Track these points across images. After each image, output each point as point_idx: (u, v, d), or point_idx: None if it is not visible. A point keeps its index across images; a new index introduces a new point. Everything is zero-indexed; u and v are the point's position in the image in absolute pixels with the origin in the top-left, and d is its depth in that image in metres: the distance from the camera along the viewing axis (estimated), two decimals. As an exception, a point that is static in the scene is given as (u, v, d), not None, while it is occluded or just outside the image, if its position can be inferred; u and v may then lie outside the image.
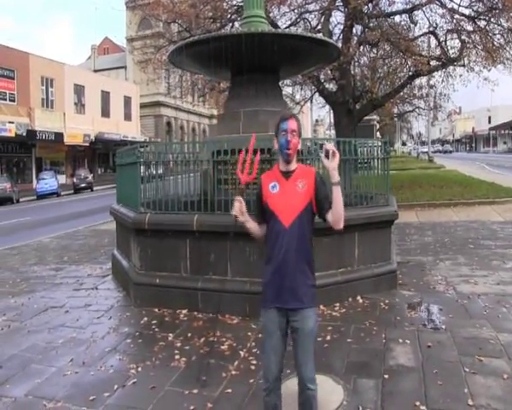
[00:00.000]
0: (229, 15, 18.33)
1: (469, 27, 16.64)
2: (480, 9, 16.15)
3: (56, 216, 20.06)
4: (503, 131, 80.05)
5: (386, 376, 4.19)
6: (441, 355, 4.56)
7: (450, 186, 18.60)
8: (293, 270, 2.94)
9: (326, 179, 3.09)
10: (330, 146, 2.94)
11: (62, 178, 38.33)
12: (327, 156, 2.90)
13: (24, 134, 33.00)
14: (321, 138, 13.39)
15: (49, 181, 32.43)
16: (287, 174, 3.03)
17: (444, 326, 5.31)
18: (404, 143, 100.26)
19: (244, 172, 3.26)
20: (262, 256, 5.80)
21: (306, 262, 3.01)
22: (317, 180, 3.01)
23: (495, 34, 16.38)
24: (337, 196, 2.94)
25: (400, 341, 4.93)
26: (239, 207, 3.12)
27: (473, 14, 16.34)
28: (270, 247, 3.02)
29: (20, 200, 29.78)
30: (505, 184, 18.69)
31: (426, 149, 57.21)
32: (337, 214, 2.98)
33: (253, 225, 3.18)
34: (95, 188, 36.84)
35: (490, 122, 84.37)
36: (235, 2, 18.32)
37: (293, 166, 3.05)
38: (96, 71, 51.33)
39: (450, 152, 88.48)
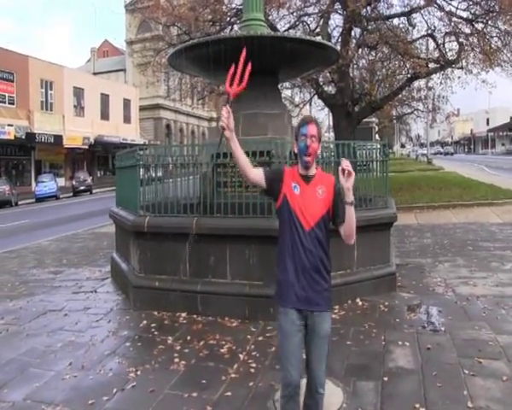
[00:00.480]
0: (228, 18, 18.40)
1: (467, 30, 16.72)
2: (477, 12, 16.21)
3: (55, 219, 20.04)
4: (501, 133, 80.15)
5: (385, 378, 4.19)
6: (440, 357, 4.56)
7: (448, 188, 18.62)
8: (313, 273, 2.94)
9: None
10: (347, 165, 2.81)
11: (61, 181, 38.30)
12: (343, 173, 2.80)
13: (23, 137, 33.03)
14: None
15: (48, 184, 32.40)
16: (307, 178, 3.00)
17: (443, 328, 5.31)
18: (402, 146, 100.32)
19: (234, 84, 3.00)
20: (261, 259, 5.85)
21: (324, 266, 3.00)
22: (335, 189, 2.98)
23: (492, 37, 16.44)
24: (350, 216, 2.90)
25: (400, 343, 4.93)
26: (227, 116, 2.86)
27: (470, 17, 16.41)
28: (289, 246, 2.97)
29: (19, 203, 29.76)
30: (504, 185, 18.70)
31: (425, 151, 56.86)
32: (349, 231, 2.96)
33: (238, 149, 2.96)
34: (94, 191, 36.82)
35: (488, 124, 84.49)
36: (234, 6, 18.39)
37: (313, 171, 3.03)
38: (95, 74, 51.34)
39: (452, 154, 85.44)
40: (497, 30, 16.23)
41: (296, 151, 3.01)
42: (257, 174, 3.05)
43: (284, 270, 3.00)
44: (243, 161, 3.00)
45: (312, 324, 2.97)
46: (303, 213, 2.93)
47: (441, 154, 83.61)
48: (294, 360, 2.96)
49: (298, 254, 2.94)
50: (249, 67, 3.08)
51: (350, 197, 2.86)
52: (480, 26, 16.33)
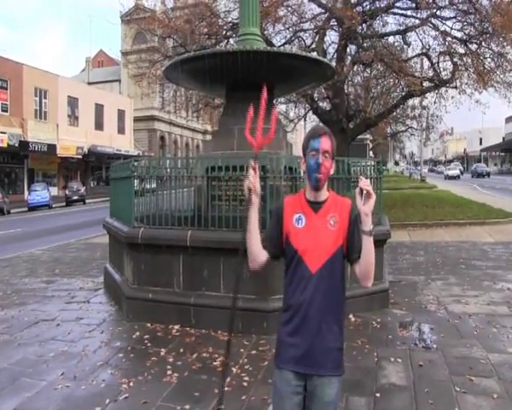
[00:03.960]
0: (224, 32, 18.52)
1: (461, 50, 16.95)
2: (471, 33, 16.45)
3: (48, 228, 19.94)
4: (493, 153, 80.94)
5: (377, 394, 4.20)
6: (432, 374, 4.58)
7: (442, 206, 18.72)
8: (318, 327, 2.36)
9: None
10: (366, 184, 2.26)
11: (54, 190, 38.16)
12: (360, 194, 2.27)
13: (16, 145, 32.93)
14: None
15: (40, 193, 32.29)
16: (316, 205, 2.43)
17: (435, 346, 5.34)
18: (396, 163, 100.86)
19: (257, 135, 2.51)
20: (255, 273, 5.84)
21: (335, 319, 2.41)
22: (351, 216, 2.41)
23: (486, 58, 16.68)
24: (369, 250, 2.34)
25: (392, 359, 4.95)
26: (253, 177, 2.41)
27: (464, 38, 16.66)
28: (291, 294, 2.42)
29: (12, 211, 29.60)
30: (496, 205, 18.84)
31: (425, 170, 53.37)
32: (366, 270, 2.38)
33: (255, 224, 2.45)
34: (87, 201, 36.68)
35: (481, 143, 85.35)
36: (230, 19, 18.52)
37: (324, 195, 2.45)
38: (90, 83, 51.41)
39: (458, 177, 56.72)
40: (490, 51, 16.47)
41: (304, 170, 2.47)
42: (262, 256, 2.50)
43: (284, 322, 2.45)
44: (256, 252, 2.48)
45: (312, 388, 2.39)
46: (308, 252, 2.37)
47: (451, 178, 55.49)
48: None
49: (300, 304, 2.37)
50: (276, 113, 2.69)
51: (367, 225, 2.29)
52: (473, 46, 16.58)
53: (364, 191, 2.24)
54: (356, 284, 6.52)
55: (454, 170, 60.33)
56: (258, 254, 2.48)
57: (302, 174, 2.61)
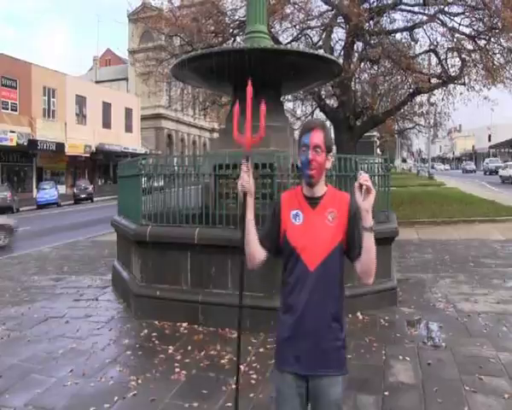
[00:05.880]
0: (231, 30, 18.51)
1: (470, 46, 16.79)
2: (480, 29, 16.29)
3: (56, 226, 20.06)
4: (502, 150, 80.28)
5: (386, 393, 4.19)
6: (441, 373, 4.56)
7: (450, 204, 18.61)
8: (318, 326, 2.30)
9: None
10: (366, 179, 2.18)
11: (62, 189, 38.36)
12: (360, 190, 2.19)
13: (25, 144, 33.11)
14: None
15: (49, 191, 32.49)
16: (313, 201, 2.36)
17: (444, 344, 5.32)
18: (404, 160, 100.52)
19: (245, 132, 2.50)
20: (263, 271, 5.83)
21: (335, 316, 2.36)
22: (351, 210, 2.34)
23: (495, 53, 16.51)
24: (369, 246, 2.29)
25: (400, 358, 4.94)
26: (247, 176, 2.41)
27: (473, 34, 16.49)
28: (288, 293, 2.36)
29: (21, 209, 29.77)
30: (506, 202, 18.71)
31: (446, 167, 53.28)
32: (367, 266, 2.34)
33: (252, 223, 2.43)
34: (95, 199, 36.84)
35: (490, 140, 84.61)
36: (237, 17, 18.49)
37: (321, 190, 2.38)
38: (97, 82, 51.58)
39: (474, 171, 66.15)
40: (499, 47, 16.29)
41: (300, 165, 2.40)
42: (261, 254, 2.45)
43: (282, 323, 2.39)
44: (253, 251, 2.43)
45: (315, 389, 2.33)
46: (306, 249, 2.31)
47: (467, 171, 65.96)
48: None
49: (299, 303, 2.31)
50: (263, 108, 2.61)
51: (368, 221, 2.23)
52: (482, 42, 16.41)
53: (364, 187, 2.17)
54: (364, 282, 6.52)
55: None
56: (256, 253, 2.43)
57: (297, 167, 2.57)
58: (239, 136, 2.55)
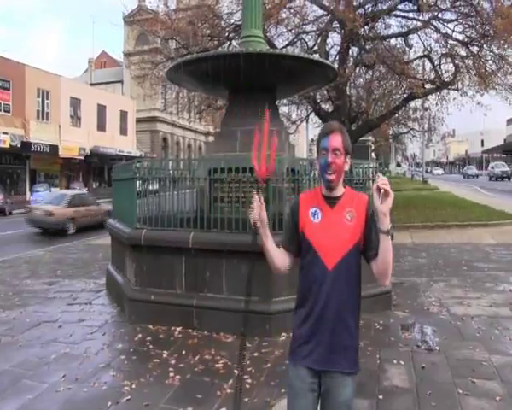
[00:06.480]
0: (226, 34, 18.54)
1: (463, 52, 16.96)
2: (472, 35, 16.44)
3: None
4: (495, 155, 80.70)
5: (380, 397, 4.20)
6: (435, 377, 4.57)
7: (444, 208, 18.72)
8: (334, 325, 2.33)
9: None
10: (385, 183, 2.18)
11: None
12: (378, 192, 2.20)
13: (18, 146, 32.89)
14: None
15: (43, 194, 32.28)
16: (331, 201, 2.40)
17: (437, 348, 5.34)
18: (398, 164, 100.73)
19: (261, 164, 2.51)
20: (258, 275, 5.81)
21: (351, 316, 2.37)
22: (368, 211, 2.39)
23: (487, 60, 16.65)
24: (386, 248, 2.26)
25: (394, 361, 4.95)
26: (259, 208, 2.42)
27: (466, 40, 16.65)
28: (306, 291, 2.39)
29: (13, 212, 29.58)
30: (498, 207, 18.83)
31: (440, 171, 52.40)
32: (383, 268, 2.31)
33: (273, 248, 2.48)
34: (89, 202, 36.62)
35: (483, 145, 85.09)
36: (232, 21, 18.54)
37: (340, 191, 2.43)
38: (92, 84, 51.42)
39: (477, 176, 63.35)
40: (491, 53, 16.45)
41: (318, 169, 2.47)
42: (286, 259, 2.52)
43: (299, 320, 2.42)
44: (278, 262, 2.50)
45: (327, 387, 2.36)
46: (324, 248, 2.34)
47: (470, 176, 62.72)
48: None
49: (316, 301, 2.34)
50: (275, 140, 2.59)
51: (385, 224, 2.23)
52: (475, 49, 16.57)
53: (382, 190, 2.18)
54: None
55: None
56: (283, 263, 2.50)
57: (317, 173, 2.60)
58: (257, 167, 2.56)
